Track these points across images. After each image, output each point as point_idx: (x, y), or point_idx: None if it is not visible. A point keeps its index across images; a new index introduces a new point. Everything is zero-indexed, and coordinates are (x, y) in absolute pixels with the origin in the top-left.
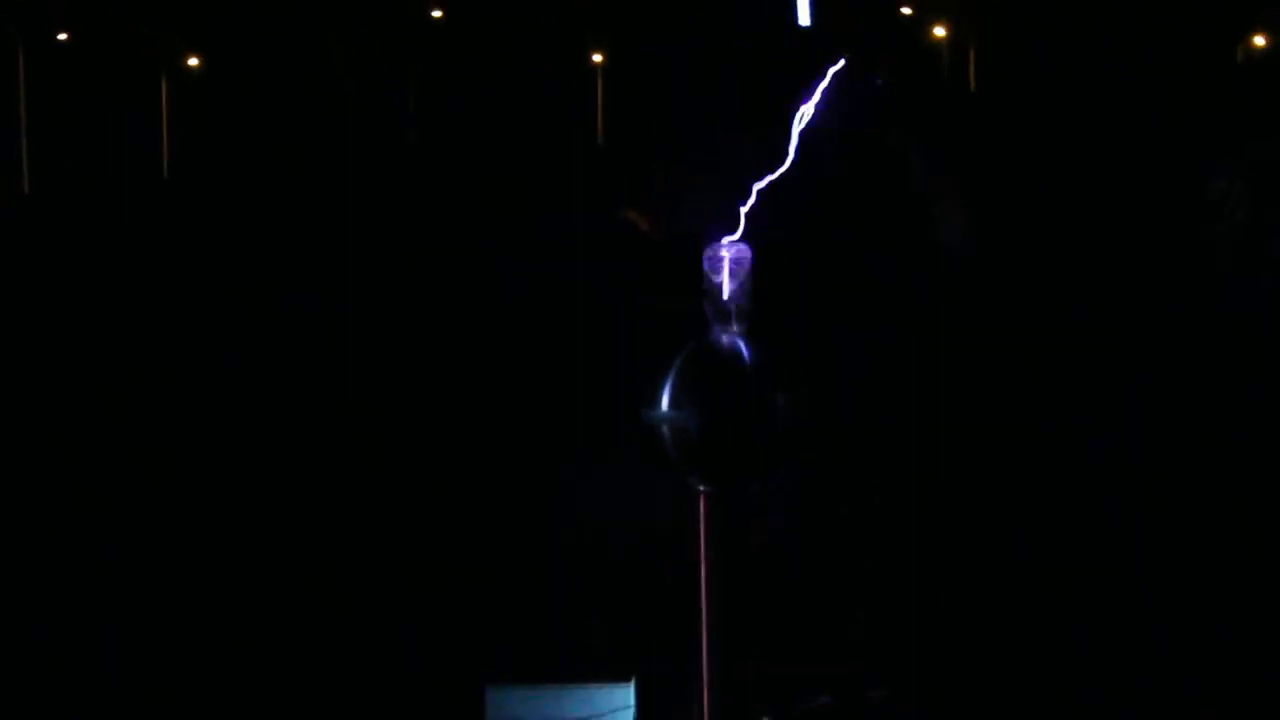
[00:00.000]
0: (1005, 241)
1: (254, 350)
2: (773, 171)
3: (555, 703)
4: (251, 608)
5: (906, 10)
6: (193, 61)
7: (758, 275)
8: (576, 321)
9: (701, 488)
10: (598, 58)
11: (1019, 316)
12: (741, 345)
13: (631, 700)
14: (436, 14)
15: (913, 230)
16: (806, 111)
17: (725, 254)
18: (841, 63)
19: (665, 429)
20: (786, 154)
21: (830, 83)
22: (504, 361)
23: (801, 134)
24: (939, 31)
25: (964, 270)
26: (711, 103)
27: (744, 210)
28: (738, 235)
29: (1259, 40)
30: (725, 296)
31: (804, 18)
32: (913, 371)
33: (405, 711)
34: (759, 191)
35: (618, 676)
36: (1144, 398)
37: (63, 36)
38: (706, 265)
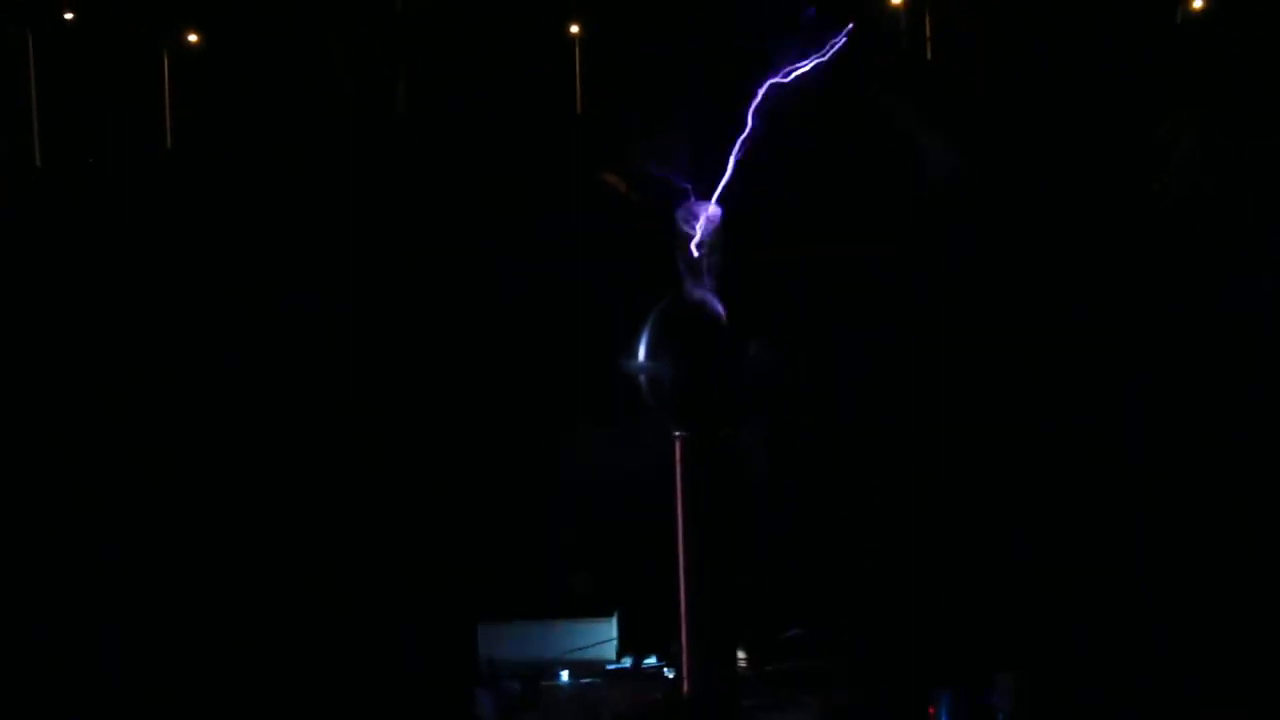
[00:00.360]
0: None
1: (250, 333)
2: (735, 135)
3: (543, 637)
4: (253, 581)
5: None
6: (192, 37)
7: (728, 233)
8: (560, 280)
9: (677, 433)
10: (575, 29)
11: (992, 283)
12: (712, 300)
13: (614, 633)
14: None
15: (883, 182)
16: (768, 76)
17: (697, 214)
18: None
19: (642, 378)
20: (746, 119)
21: (794, 49)
22: (488, 321)
23: (768, 97)
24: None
25: (936, 216)
26: (682, 70)
27: (716, 173)
28: (710, 196)
29: (1196, 2)
30: (697, 254)
31: None
32: (879, 327)
33: (403, 647)
34: (729, 155)
35: (601, 613)
36: (1121, 388)
37: (69, 16)
38: (680, 224)
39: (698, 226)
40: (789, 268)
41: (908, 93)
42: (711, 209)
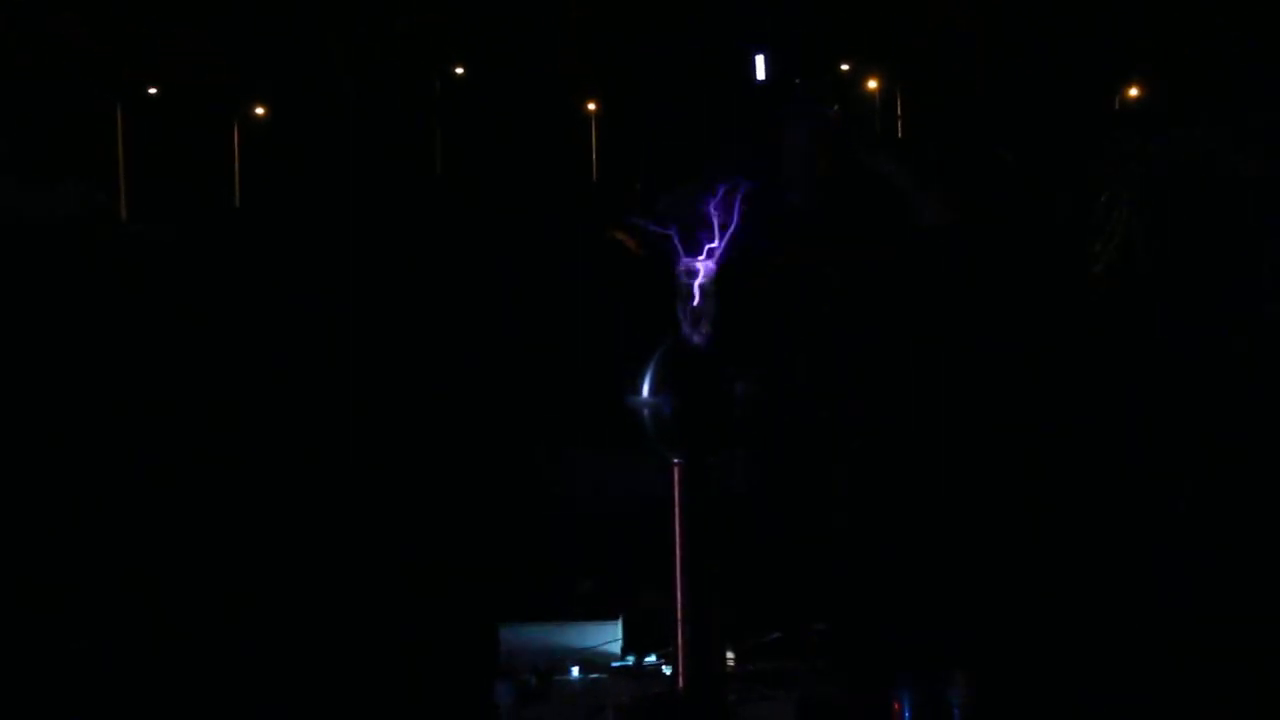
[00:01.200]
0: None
1: (251, 343)
2: (727, 226)
3: (556, 636)
4: (270, 571)
5: (845, 66)
6: (259, 109)
7: (723, 285)
8: (574, 324)
9: (675, 459)
10: (591, 106)
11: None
12: (708, 343)
13: (619, 633)
14: (459, 70)
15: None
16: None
17: (695, 268)
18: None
19: (645, 411)
20: (734, 211)
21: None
22: (504, 357)
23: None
24: (872, 84)
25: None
26: (684, 147)
27: (710, 241)
28: (705, 254)
29: (1133, 91)
30: (695, 302)
31: (760, 74)
32: (866, 363)
33: (434, 647)
34: (721, 232)
35: (608, 616)
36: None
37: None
38: (680, 276)
39: (695, 279)
40: (779, 315)
41: (892, 157)
42: (707, 264)
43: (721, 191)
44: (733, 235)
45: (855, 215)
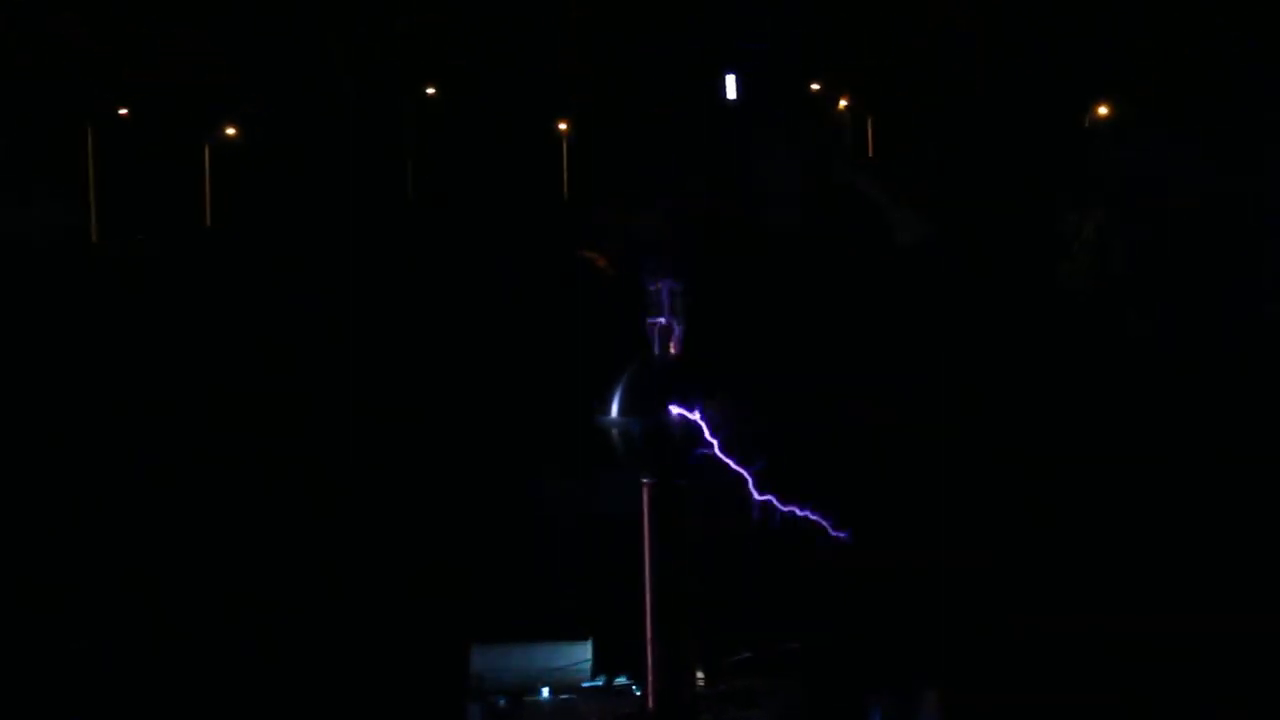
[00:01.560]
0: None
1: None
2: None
3: (526, 657)
4: (260, 594)
5: (815, 86)
6: (230, 130)
7: (690, 305)
8: (545, 344)
9: (644, 480)
10: (563, 127)
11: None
12: (675, 363)
13: (589, 654)
14: (430, 91)
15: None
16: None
17: (664, 288)
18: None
19: (615, 432)
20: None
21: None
22: (479, 375)
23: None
24: (842, 104)
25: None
26: (655, 167)
27: (679, 256)
28: (674, 273)
29: (1103, 110)
30: (663, 322)
31: (730, 93)
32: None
33: (405, 666)
34: (686, 251)
35: (578, 636)
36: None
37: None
38: (649, 297)
39: (663, 299)
40: (744, 336)
41: (866, 174)
42: (675, 285)
43: (684, 214)
44: (698, 256)
45: (833, 232)
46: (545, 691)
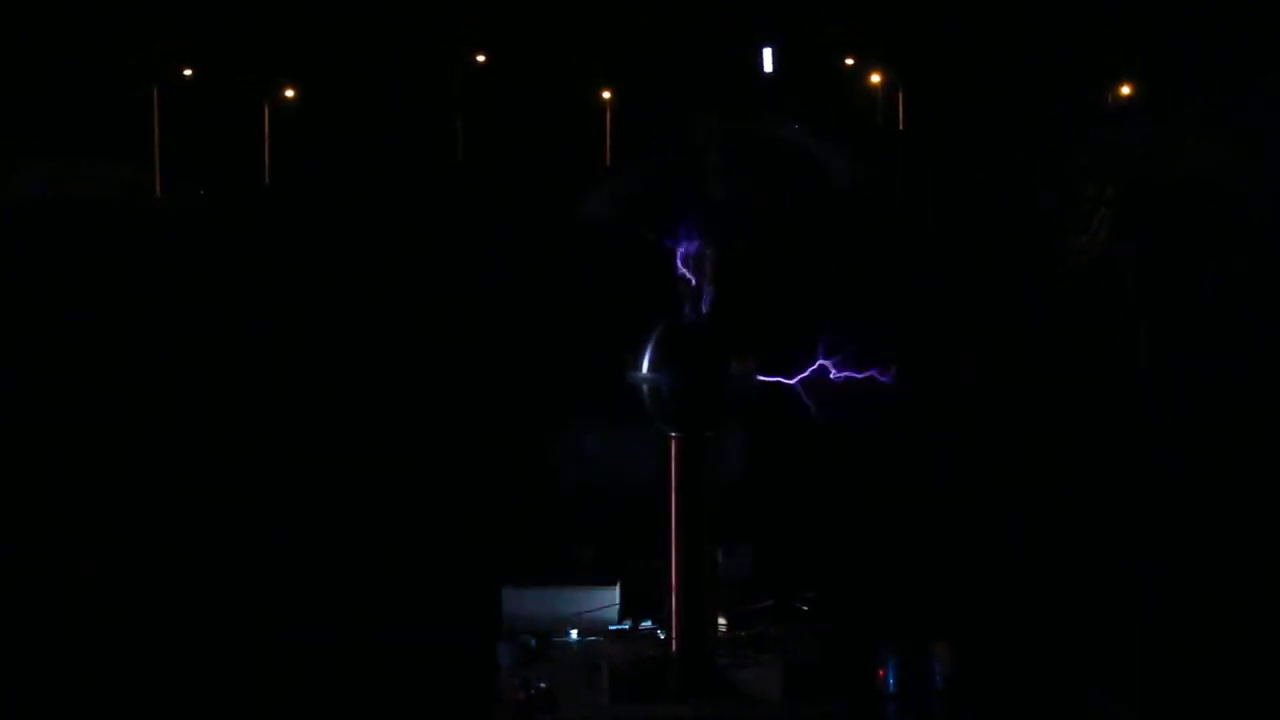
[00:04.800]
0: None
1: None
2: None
3: (556, 600)
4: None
5: (849, 61)
6: (289, 92)
7: (719, 269)
8: (577, 303)
9: (672, 434)
10: (606, 94)
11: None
12: (704, 323)
13: (617, 598)
14: (480, 58)
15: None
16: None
17: (695, 253)
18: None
19: (645, 388)
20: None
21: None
22: (517, 338)
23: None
24: (875, 79)
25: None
26: (690, 136)
27: (711, 223)
28: (706, 239)
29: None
30: (693, 284)
31: (768, 67)
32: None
33: (441, 606)
34: (717, 216)
35: (606, 582)
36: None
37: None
38: (680, 261)
39: (694, 263)
40: (771, 297)
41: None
42: (706, 250)
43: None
44: (728, 220)
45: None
46: (573, 633)
